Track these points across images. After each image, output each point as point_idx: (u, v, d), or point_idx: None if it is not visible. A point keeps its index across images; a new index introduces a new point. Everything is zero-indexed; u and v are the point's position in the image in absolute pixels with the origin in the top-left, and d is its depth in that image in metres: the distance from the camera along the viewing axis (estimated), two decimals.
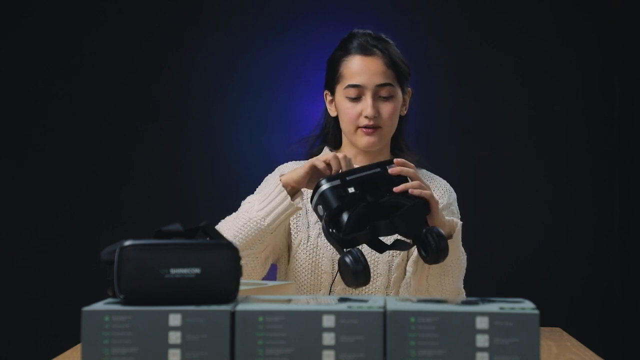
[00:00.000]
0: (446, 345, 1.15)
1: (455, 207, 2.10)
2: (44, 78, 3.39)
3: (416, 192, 1.66)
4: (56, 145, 3.37)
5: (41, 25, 3.39)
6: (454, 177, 2.21)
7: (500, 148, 3.38)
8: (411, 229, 1.61)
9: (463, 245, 1.90)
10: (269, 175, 2.08)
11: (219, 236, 1.28)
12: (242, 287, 1.27)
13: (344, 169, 1.74)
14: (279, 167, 2.10)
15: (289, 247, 2.06)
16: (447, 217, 1.83)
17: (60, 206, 3.37)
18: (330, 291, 1.98)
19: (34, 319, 3.35)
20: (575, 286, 3.35)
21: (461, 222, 1.85)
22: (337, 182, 1.63)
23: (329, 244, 1.75)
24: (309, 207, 2.03)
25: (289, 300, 1.27)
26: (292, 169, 1.84)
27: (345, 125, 2.04)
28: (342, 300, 1.25)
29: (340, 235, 1.58)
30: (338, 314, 1.16)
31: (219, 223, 1.91)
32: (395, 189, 1.65)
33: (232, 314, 1.17)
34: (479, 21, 3.40)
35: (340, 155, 1.77)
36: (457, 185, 2.16)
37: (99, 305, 1.20)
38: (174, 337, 1.17)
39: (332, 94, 2.06)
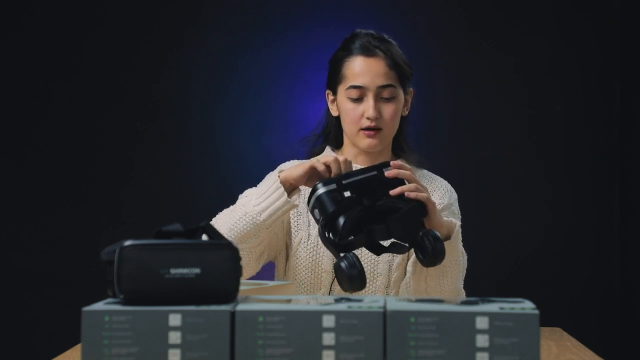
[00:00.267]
0: (446, 345, 1.15)
1: (456, 207, 2.10)
2: (44, 78, 3.39)
3: (412, 195, 1.66)
4: (56, 145, 3.37)
5: (41, 25, 3.39)
6: (454, 177, 2.21)
7: (500, 148, 3.38)
8: (407, 232, 1.61)
9: (463, 245, 1.90)
10: (271, 172, 2.09)
11: (219, 236, 1.28)
12: (242, 287, 1.27)
13: (344, 172, 1.74)
14: (280, 165, 2.10)
15: (287, 246, 2.06)
16: (446, 218, 1.83)
17: (60, 206, 3.37)
18: (330, 290, 1.98)
19: (34, 319, 3.35)
20: (575, 286, 3.35)
21: (460, 223, 1.85)
22: (333, 186, 1.64)
23: None
24: None
25: (289, 300, 1.27)
26: (292, 166, 1.85)
27: (347, 126, 2.04)
28: (342, 300, 1.25)
29: (336, 239, 1.59)
30: (338, 314, 1.16)
31: (216, 216, 1.91)
32: (392, 192, 1.65)
33: (232, 314, 1.17)
34: (479, 21, 3.40)
35: (341, 158, 1.77)
36: (457, 185, 2.16)
37: (99, 305, 1.20)
38: (174, 337, 1.17)
39: (334, 93, 2.06)
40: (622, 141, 3.36)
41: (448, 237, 1.80)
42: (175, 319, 1.17)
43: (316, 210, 1.63)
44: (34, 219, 3.36)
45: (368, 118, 1.99)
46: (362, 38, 2.03)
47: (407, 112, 2.09)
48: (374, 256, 2.00)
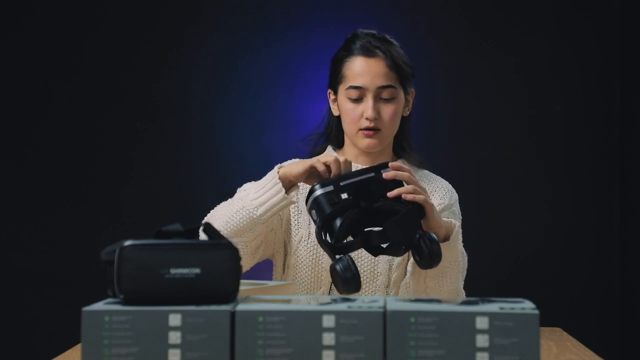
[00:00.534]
0: (446, 345, 1.15)
1: (456, 208, 2.10)
2: (44, 78, 3.39)
3: (409, 197, 1.66)
4: (56, 145, 3.37)
5: (41, 25, 3.39)
6: (454, 177, 2.21)
7: (500, 148, 3.38)
8: (404, 235, 1.61)
9: (463, 245, 1.90)
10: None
11: (219, 236, 1.28)
12: (242, 287, 1.27)
13: (343, 173, 1.74)
14: (281, 164, 2.10)
15: (285, 243, 2.06)
16: (445, 219, 1.83)
17: (60, 206, 3.37)
18: (330, 289, 1.98)
19: (34, 319, 3.35)
20: (575, 286, 3.35)
21: (459, 224, 1.85)
22: (331, 187, 1.64)
23: None
24: None
25: (289, 300, 1.27)
26: (292, 162, 1.85)
27: (346, 126, 2.05)
28: (342, 300, 1.25)
29: (333, 242, 1.59)
30: (338, 314, 1.16)
31: (214, 208, 1.91)
32: (389, 194, 1.65)
33: (232, 314, 1.17)
34: (479, 21, 3.40)
35: (341, 159, 1.77)
36: (457, 185, 2.16)
37: (99, 305, 1.20)
38: (174, 337, 1.17)
39: (335, 93, 2.07)
40: (622, 141, 3.36)
41: (447, 238, 1.80)
42: (175, 319, 1.17)
43: (313, 212, 1.64)
44: (34, 219, 3.36)
45: (367, 118, 1.99)
46: (363, 38, 2.03)
47: (408, 113, 2.09)
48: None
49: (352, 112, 2.01)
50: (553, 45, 3.38)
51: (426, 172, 2.13)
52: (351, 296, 1.45)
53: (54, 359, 1.62)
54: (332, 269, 1.56)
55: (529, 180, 3.38)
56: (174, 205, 3.35)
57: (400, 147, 2.12)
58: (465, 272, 1.95)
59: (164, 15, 3.42)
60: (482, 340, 1.15)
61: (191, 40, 3.40)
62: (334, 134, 2.13)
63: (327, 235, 1.62)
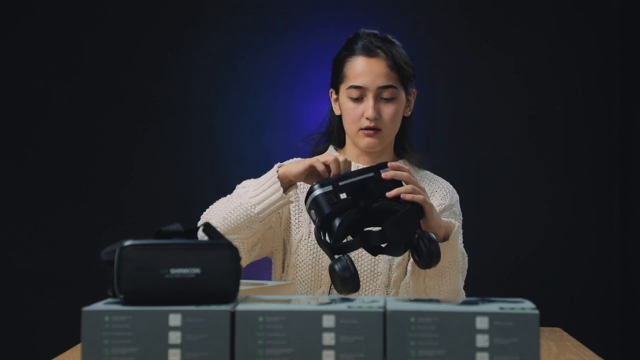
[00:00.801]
0: (446, 345, 1.15)
1: (457, 208, 2.10)
2: (44, 78, 3.39)
3: (408, 197, 1.66)
4: (56, 145, 3.37)
5: (41, 25, 3.39)
6: (454, 177, 2.21)
7: (500, 148, 3.38)
8: (403, 236, 1.61)
9: (463, 246, 1.90)
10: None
11: (219, 236, 1.28)
12: (242, 287, 1.27)
13: (343, 172, 1.75)
14: (282, 162, 2.10)
15: (284, 242, 2.06)
16: (445, 219, 1.83)
17: (60, 206, 3.37)
18: (330, 288, 1.98)
19: (34, 319, 3.35)
20: (575, 286, 3.35)
21: (459, 224, 1.85)
22: (330, 187, 1.64)
23: None
24: None
25: (289, 300, 1.27)
26: (292, 162, 1.85)
27: (347, 126, 2.05)
28: (342, 300, 1.25)
29: (331, 242, 1.59)
30: (338, 314, 1.16)
31: (213, 204, 1.92)
32: (388, 194, 1.65)
33: (232, 314, 1.17)
34: (479, 21, 3.40)
35: (341, 158, 1.77)
36: (457, 185, 2.16)
37: (99, 305, 1.20)
38: (174, 337, 1.17)
39: (337, 92, 2.07)
40: (622, 141, 3.36)
41: (446, 238, 1.80)
42: (175, 319, 1.17)
43: (312, 211, 1.65)
44: (34, 219, 3.36)
45: (367, 118, 1.99)
46: (365, 38, 2.03)
47: (409, 113, 2.09)
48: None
49: (352, 111, 2.01)
50: (553, 45, 3.38)
51: (427, 172, 2.13)
52: (351, 296, 1.45)
53: (54, 359, 1.62)
54: (331, 269, 1.56)
55: (529, 180, 3.38)
56: (174, 205, 3.35)
57: (401, 148, 2.12)
58: (466, 272, 1.95)
59: (164, 15, 3.42)
60: (482, 340, 1.15)
61: (191, 40, 3.40)
62: (335, 134, 2.13)
63: (326, 235, 1.62)
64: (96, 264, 1.67)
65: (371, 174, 1.68)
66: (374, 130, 2.01)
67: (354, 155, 2.07)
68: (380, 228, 1.60)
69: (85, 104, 3.38)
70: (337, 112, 2.09)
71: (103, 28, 3.40)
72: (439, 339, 1.15)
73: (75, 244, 3.34)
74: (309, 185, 1.70)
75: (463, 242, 1.89)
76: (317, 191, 1.64)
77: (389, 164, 1.70)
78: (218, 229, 1.38)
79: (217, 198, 1.95)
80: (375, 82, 2.00)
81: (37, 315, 3.34)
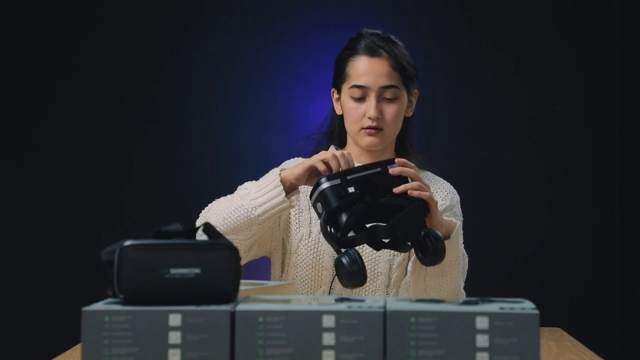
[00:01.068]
0: (446, 345, 1.15)
1: (458, 209, 2.10)
2: (44, 78, 3.39)
3: (415, 193, 1.66)
4: (56, 145, 3.37)
5: (41, 25, 3.39)
6: (454, 177, 2.21)
7: (500, 148, 3.38)
8: (409, 232, 1.61)
9: (464, 246, 1.90)
10: (274, 168, 2.08)
11: (219, 236, 1.28)
12: (242, 287, 1.27)
13: (344, 167, 1.75)
14: (285, 162, 2.11)
15: (284, 242, 2.06)
16: (446, 218, 1.83)
17: (60, 206, 3.37)
18: (330, 288, 1.98)
19: (34, 319, 3.35)
20: (575, 286, 3.35)
21: (460, 224, 1.85)
22: (337, 181, 1.64)
23: None
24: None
25: (289, 300, 1.27)
26: (293, 165, 1.85)
27: (349, 125, 2.05)
28: (342, 300, 1.25)
29: (338, 235, 1.59)
30: (338, 314, 1.16)
31: (212, 202, 1.91)
32: (395, 190, 1.65)
33: (232, 314, 1.17)
34: (479, 21, 3.40)
35: (338, 153, 1.77)
36: (457, 185, 2.16)
37: (99, 305, 1.20)
38: (174, 337, 1.17)
39: (339, 92, 2.07)
40: (622, 141, 3.36)
41: (447, 237, 1.80)
42: (175, 319, 1.17)
43: (319, 204, 1.63)
44: (34, 219, 3.36)
45: (369, 118, 2.00)
46: (368, 38, 2.03)
47: (411, 113, 2.09)
48: (375, 255, 2.00)
49: (354, 111, 2.02)
50: (553, 45, 3.38)
51: (428, 173, 2.13)
52: (350, 296, 1.45)
53: (54, 359, 1.62)
54: (338, 262, 1.55)
55: (529, 180, 3.38)
56: (174, 205, 3.35)
57: (403, 148, 2.12)
58: (466, 273, 1.96)
59: (164, 15, 3.42)
60: (482, 340, 1.15)
61: (191, 40, 3.40)
62: (336, 133, 2.13)
63: (332, 228, 1.61)
64: (96, 264, 1.68)
65: (378, 169, 1.68)
66: (376, 129, 2.01)
67: (355, 155, 2.07)
68: (384, 223, 1.60)
69: (85, 104, 3.38)
70: (338, 111, 2.09)
71: (103, 28, 3.40)
72: (439, 339, 1.15)
73: (75, 244, 3.34)
74: (310, 187, 1.69)
75: (463, 243, 1.90)
76: (325, 184, 1.63)
77: (395, 160, 1.70)
78: (217, 229, 1.38)
79: (217, 198, 1.95)
80: (377, 81, 2.00)
81: (37, 315, 3.34)
